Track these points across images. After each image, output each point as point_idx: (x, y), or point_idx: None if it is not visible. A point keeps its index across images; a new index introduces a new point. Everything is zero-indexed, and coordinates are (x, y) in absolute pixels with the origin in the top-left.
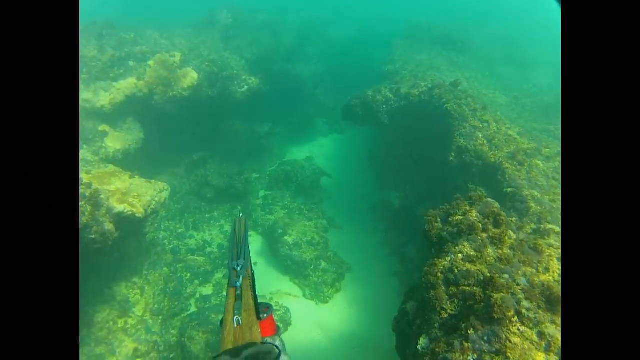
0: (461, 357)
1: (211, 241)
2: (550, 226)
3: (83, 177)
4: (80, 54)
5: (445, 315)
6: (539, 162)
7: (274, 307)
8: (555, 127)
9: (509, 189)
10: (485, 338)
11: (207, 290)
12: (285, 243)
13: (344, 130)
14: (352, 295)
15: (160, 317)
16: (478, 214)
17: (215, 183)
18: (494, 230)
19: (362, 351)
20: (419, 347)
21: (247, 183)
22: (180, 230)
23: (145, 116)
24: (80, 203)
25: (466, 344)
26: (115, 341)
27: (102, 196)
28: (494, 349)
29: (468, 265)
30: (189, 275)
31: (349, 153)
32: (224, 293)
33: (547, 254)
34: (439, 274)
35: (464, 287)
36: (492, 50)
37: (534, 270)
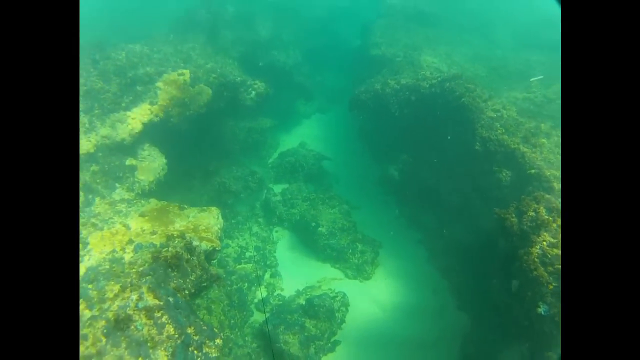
0: None
1: (246, 246)
2: None
3: (147, 226)
4: (85, 87)
5: (552, 287)
6: (544, 140)
7: (330, 294)
8: (534, 94)
9: (532, 171)
10: None
11: (262, 292)
12: (322, 234)
13: (325, 109)
14: (389, 268)
15: (237, 330)
16: (545, 209)
17: (234, 188)
18: (560, 220)
19: (408, 316)
20: (540, 311)
21: (260, 182)
22: None
23: (159, 139)
24: (187, 257)
25: None
26: None
27: (194, 244)
28: None
29: (555, 250)
30: (246, 284)
31: (336, 132)
32: (278, 292)
33: None
34: (536, 259)
35: (559, 266)
36: (459, 18)
37: None
